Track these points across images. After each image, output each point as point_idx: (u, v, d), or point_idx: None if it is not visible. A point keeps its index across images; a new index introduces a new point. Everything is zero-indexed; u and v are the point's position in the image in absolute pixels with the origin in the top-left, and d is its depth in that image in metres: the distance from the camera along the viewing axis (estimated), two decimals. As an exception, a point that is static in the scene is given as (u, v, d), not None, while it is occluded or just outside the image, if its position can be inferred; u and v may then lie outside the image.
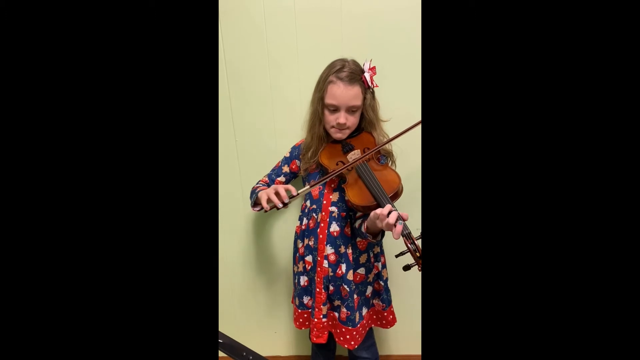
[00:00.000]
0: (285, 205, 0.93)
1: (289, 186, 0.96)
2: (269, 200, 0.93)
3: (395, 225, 0.82)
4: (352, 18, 1.17)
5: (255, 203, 1.06)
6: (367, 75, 1.00)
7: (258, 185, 1.17)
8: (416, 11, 1.14)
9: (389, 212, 0.84)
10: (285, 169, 1.17)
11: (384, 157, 1.10)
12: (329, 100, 1.00)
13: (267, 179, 1.18)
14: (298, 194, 0.93)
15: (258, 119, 1.29)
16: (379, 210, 0.86)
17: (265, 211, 0.95)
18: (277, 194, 0.93)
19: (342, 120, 1.01)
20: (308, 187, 0.96)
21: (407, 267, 0.84)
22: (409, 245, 0.83)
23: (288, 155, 1.18)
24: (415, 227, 1.27)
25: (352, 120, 1.03)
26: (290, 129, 1.25)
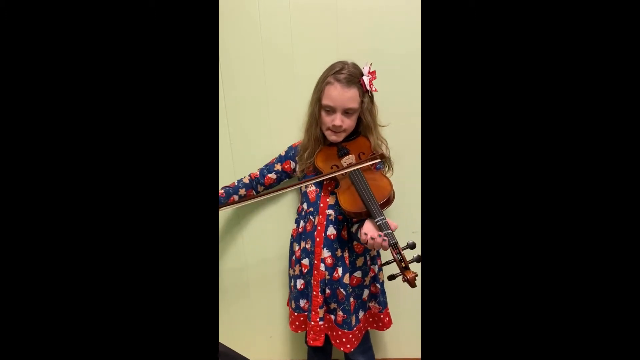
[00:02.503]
0: None
1: None
2: None
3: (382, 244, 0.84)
4: (348, 18, 1.17)
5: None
6: (365, 79, 1.00)
7: (234, 182, 1.18)
8: (413, 10, 1.14)
9: (372, 236, 0.85)
10: (278, 167, 1.17)
11: (380, 162, 1.10)
12: (325, 101, 1.01)
13: (257, 172, 1.18)
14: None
15: (253, 122, 1.28)
16: (363, 237, 0.87)
17: None
18: None
19: (337, 122, 1.01)
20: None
21: (391, 277, 0.84)
22: (394, 255, 0.83)
23: (284, 154, 1.19)
24: (412, 230, 1.28)
25: (348, 123, 1.03)
26: (285, 131, 1.25)
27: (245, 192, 1.17)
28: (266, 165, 1.20)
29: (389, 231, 0.84)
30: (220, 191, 1.14)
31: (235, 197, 1.15)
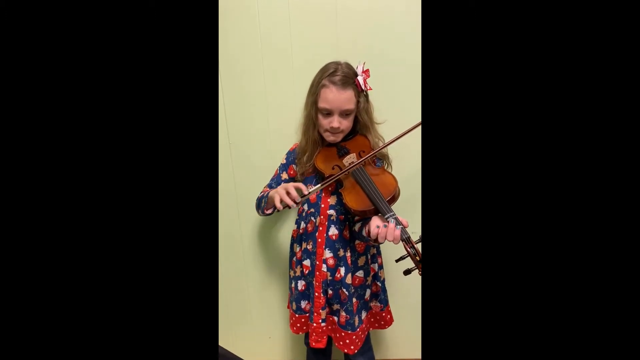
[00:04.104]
0: (297, 204, 0.94)
1: (300, 184, 0.96)
2: (281, 201, 0.94)
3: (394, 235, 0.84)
4: (348, 19, 1.17)
5: (266, 207, 1.07)
6: (360, 78, 0.99)
7: (262, 193, 1.16)
8: (412, 10, 1.14)
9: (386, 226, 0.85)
10: (284, 175, 1.16)
11: (379, 160, 1.10)
12: (322, 104, 1.00)
13: (268, 188, 1.17)
14: (309, 193, 0.95)
15: (252, 122, 1.27)
16: (374, 230, 0.87)
17: (278, 211, 0.96)
18: (288, 193, 0.94)
19: (335, 124, 1.00)
20: (319, 185, 0.96)
21: (407, 272, 0.84)
22: (408, 249, 0.83)
23: (284, 161, 1.17)
24: (412, 230, 1.28)
25: (345, 124, 1.02)
26: (284, 132, 1.24)
27: None
28: (272, 179, 1.17)
29: (401, 226, 0.85)
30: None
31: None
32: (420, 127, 0.97)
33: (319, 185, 0.97)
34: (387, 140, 1.06)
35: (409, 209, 1.24)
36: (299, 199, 0.93)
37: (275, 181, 1.16)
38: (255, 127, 1.28)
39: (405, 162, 1.19)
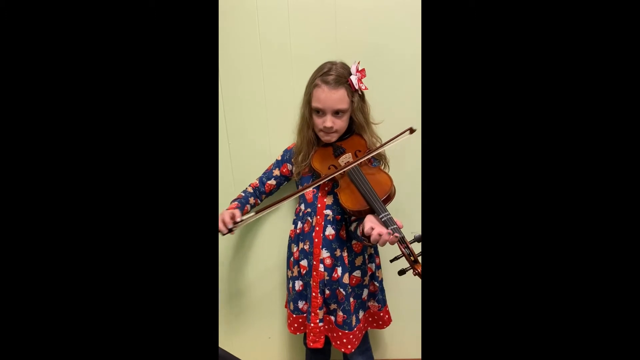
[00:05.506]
0: (230, 231, 0.97)
1: (235, 211, 0.98)
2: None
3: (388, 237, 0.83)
4: (347, 18, 1.17)
5: None
6: (353, 78, 0.99)
7: (240, 194, 1.17)
8: (412, 10, 1.14)
9: (380, 232, 0.84)
10: (276, 172, 1.17)
11: (376, 160, 1.10)
12: (314, 103, 1.01)
13: (257, 182, 1.18)
14: (242, 221, 0.97)
15: (251, 122, 1.28)
16: (368, 230, 0.86)
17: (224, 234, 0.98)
18: (223, 221, 0.96)
19: (328, 123, 1.01)
20: (253, 214, 0.98)
21: (402, 272, 0.84)
22: (402, 250, 0.83)
23: (280, 158, 1.18)
24: (410, 230, 1.28)
25: (339, 124, 1.02)
26: (283, 132, 1.24)
27: (254, 201, 1.16)
28: (264, 173, 1.19)
29: (395, 226, 0.84)
30: (235, 203, 1.11)
31: (248, 207, 1.13)
32: (409, 131, 0.96)
33: (253, 213, 0.98)
34: (383, 141, 1.07)
35: (407, 208, 1.24)
36: (230, 225, 0.96)
37: (267, 176, 1.18)
38: (255, 127, 1.28)
39: (404, 161, 1.19)
